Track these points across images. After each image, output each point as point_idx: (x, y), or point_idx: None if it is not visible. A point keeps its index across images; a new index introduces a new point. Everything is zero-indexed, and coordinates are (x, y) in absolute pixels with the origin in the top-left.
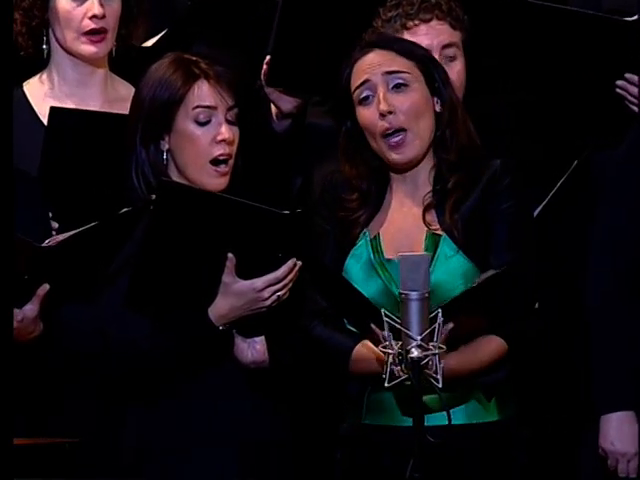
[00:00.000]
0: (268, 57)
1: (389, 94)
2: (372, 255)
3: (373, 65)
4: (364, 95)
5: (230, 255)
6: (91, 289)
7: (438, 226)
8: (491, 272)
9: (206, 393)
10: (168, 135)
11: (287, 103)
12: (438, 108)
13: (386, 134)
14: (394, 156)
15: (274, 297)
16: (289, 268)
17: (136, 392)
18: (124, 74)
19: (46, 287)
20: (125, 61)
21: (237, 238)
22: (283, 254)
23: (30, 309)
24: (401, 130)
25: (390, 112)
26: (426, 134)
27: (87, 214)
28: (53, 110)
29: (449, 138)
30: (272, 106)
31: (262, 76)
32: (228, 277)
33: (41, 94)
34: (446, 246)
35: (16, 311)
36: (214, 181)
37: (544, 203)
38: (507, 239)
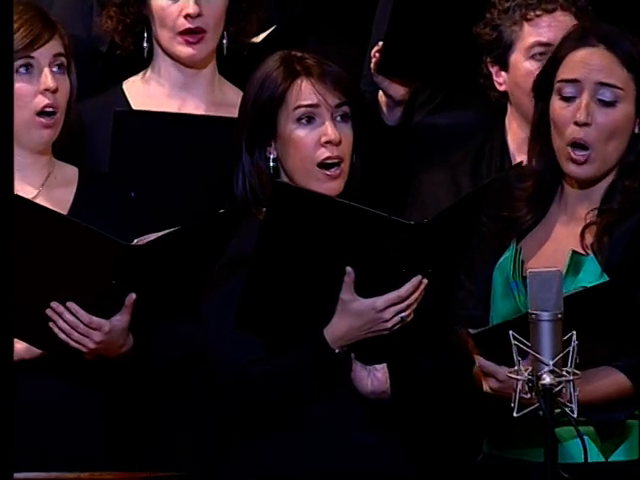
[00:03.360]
0: (380, 44)
1: (593, 105)
2: (511, 270)
3: (590, 68)
4: (568, 94)
5: (349, 269)
6: (189, 302)
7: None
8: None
9: (320, 425)
10: (274, 140)
11: (399, 89)
12: (638, 130)
13: (572, 144)
14: (571, 169)
15: (397, 318)
16: (413, 286)
17: (244, 422)
18: (236, 74)
19: (133, 296)
20: (237, 60)
21: (357, 250)
22: (407, 270)
23: (118, 320)
24: (587, 147)
25: (586, 124)
26: (613, 156)
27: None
28: (117, 114)
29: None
30: (381, 98)
31: (372, 65)
32: (346, 294)
33: (141, 94)
34: (590, 269)
35: (103, 322)
36: (325, 185)
37: None
38: None
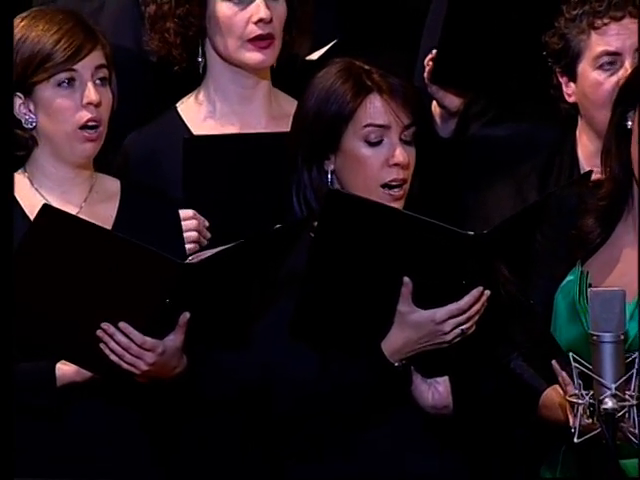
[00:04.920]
0: (433, 52)
1: None
2: (577, 294)
3: None
4: None
5: (406, 280)
6: (242, 322)
7: None
8: None
9: (377, 444)
10: (334, 154)
11: (455, 99)
12: None
13: None
14: None
15: (457, 331)
16: (474, 298)
17: (295, 440)
18: (287, 87)
19: (187, 315)
20: (288, 72)
21: (415, 260)
22: (468, 281)
23: (172, 340)
24: None
25: None
26: None
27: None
28: (186, 141)
29: None
30: (435, 110)
31: (426, 74)
32: (404, 305)
33: (200, 116)
34: None
35: (156, 342)
36: None
37: None
38: None
